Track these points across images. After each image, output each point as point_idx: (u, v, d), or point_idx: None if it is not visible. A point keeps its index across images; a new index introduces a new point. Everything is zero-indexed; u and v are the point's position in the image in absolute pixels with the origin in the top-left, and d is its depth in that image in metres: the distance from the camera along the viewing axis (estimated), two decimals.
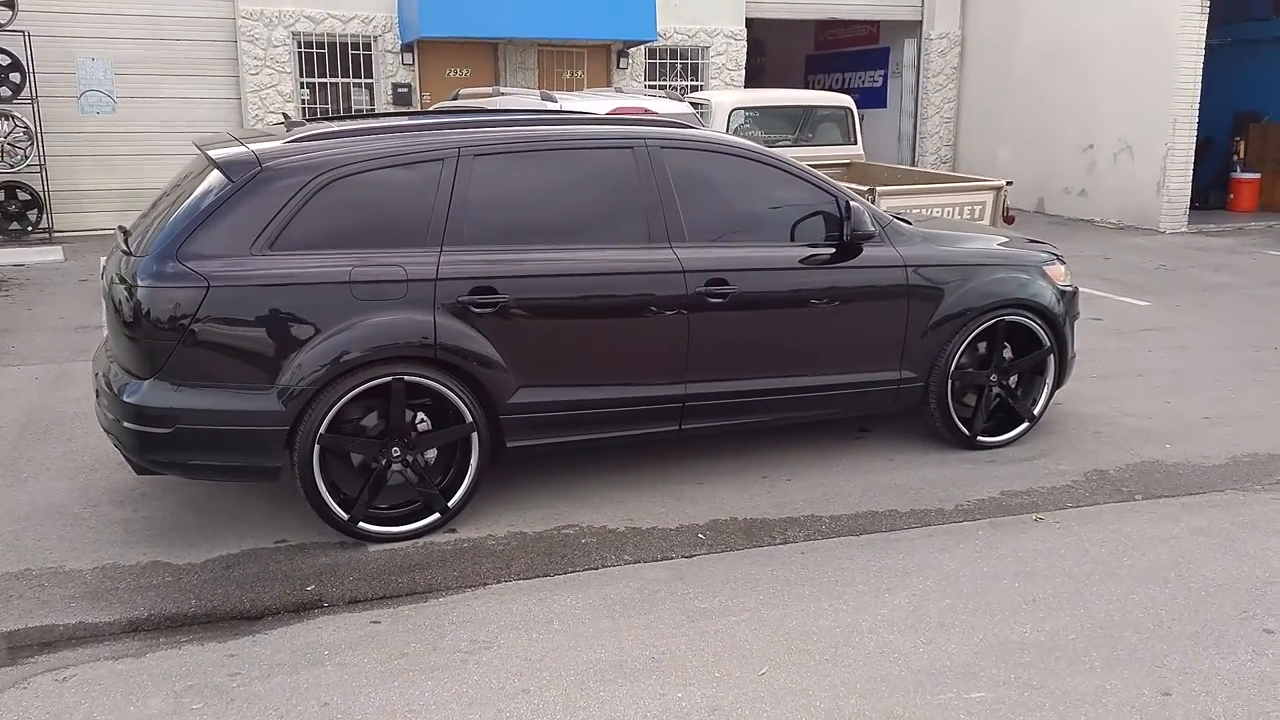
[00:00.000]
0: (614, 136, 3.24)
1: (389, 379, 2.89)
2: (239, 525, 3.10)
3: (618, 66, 10.68)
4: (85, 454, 3.70)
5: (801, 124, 8.09)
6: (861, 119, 8.61)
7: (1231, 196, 11.00)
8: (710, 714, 2.14)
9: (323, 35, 9.79)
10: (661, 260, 3.18)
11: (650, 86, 10.06)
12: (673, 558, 2.90)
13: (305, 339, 2.82)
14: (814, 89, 12.79)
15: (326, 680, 2.28)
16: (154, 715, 2.15)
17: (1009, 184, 6.07)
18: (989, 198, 5.98)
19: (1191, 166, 9.83)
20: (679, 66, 11.08)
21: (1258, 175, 10.92)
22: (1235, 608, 2.60)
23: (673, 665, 2.33)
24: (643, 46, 10.70)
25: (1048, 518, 3.19)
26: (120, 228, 3.19)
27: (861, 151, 8.06)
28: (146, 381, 2.79)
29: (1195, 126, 9.72)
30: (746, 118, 7.90)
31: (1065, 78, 10.75)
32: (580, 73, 10.58)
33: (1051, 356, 3.83)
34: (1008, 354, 3.81)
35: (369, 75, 10.00)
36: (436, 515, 3.03)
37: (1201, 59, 9.56)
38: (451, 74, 10.16)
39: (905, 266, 3.53)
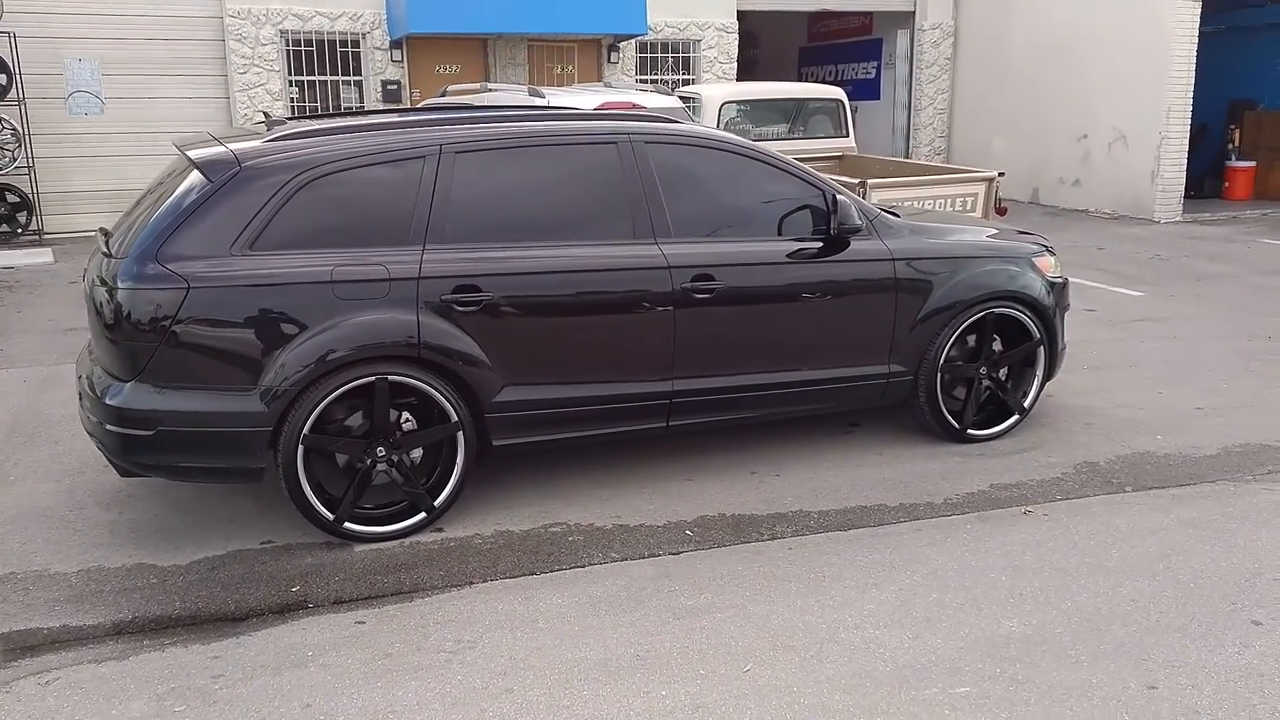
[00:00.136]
0: (597, 132, 3.22)
1: (373, 379, 2.87)
2: (225, 527, 3.09)
3: (608, 61, 10.63)
4: (72, 456, 3.69)
5: (793, 117, 8.06)
6: (855, 111, 8.58)
7: (1227, 185, 10.98)
8: (694, 712, 2.14)
9: (311, 33, 9.73)
10: (646, 256, 3.16)
11: (641, 81, 10.03)
12: (660, 555, 2.89)
13: (287, 339, 2.80)
14: (807, 81, 12.77)
15: (309, 681, 2.27)
16: (136, 718, 2.14)
17: (1001, 175, 6.05)
18: (981, 189, 5.95)
19: (1186, 155, 9.80)
20: (670, 60, 11.03)
21: (1253, 163, 10.89)
22: (1224, 600, 2.60)
23: (657, 663, 2.32)
24: (633, 40, 10.64)
25: (1037, 511, 3.19)
26: (101, 229, 3.17)
27: (854, 144, 8.03)
28: (128, 384, 2.78)
29: (1189, 115, 9.68)
30: (737, 111, 7.86)
31: (1059, 67, 10.71)
32: (571, 68, 10.53)
33: (1041, 348, 3.82)
34: (997, 346, 3.80)
35: (358, 73, 9.95)
36: (423, 515, 3.02)
37: (1195, 47, 9.52)
38: (441, 70, 10.10)
39: (893, 260, 3.51)
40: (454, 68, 10.14)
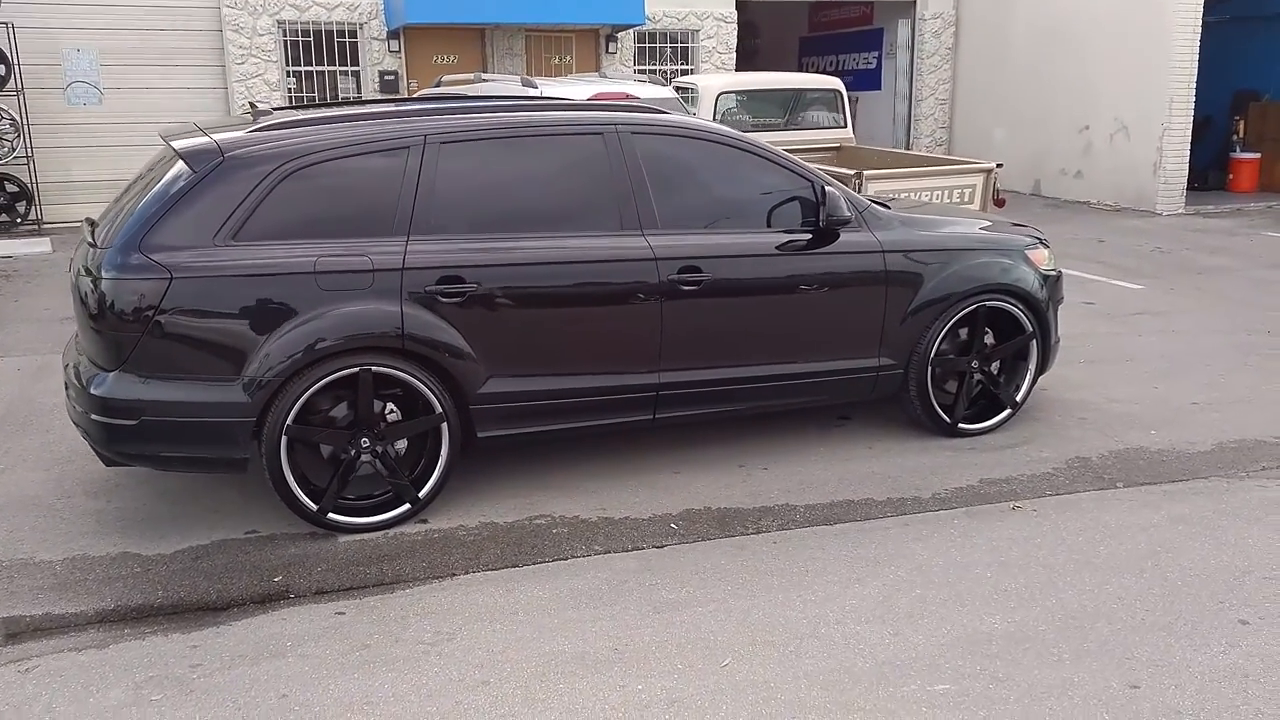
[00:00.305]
0: (583, 123, 3.19)
1: (356, 369, 2.86)
2: (211, 516, 3.09)
3: (606, 51, 10.56)
4: (62, 445, 3.69)
5: (790, 107, 7.99)
6: (854, 101, 8.51)
7: (1231, 177, 10.86)
8: (669, 706, 2.13)
9: (308, 23, 9.69)
10: (633, 248, 3.14)
11: (639, 71, 9.96)
12: (643, 548, 2.88)
13: (270, 330, 2.79)
14: (807, 71, 12.64)
15: (287, 672, 2.27)
16: (113, 706, 2.15)
17: (999, 166, 5.99)
18: (979, 181, 5.90)
19: (1189, 147, 9.70)
20: (669, 50, 10.95)
21: (1258, 155, 10.77)
22: (1212, 598, 2.57)
23: (635, 657, 2.31)
24: (631, 30, 10.57)
25: (1026, 506, 3.16)
26: (88, 219, 3.16)
27: (851, 135, 7.96)
28: (112, 373, 2.77)
29: (1192, 106, 9.57)
30: (734, 102, 7.80)
31: (1061, 57, 10.60)
32: (569, 58, 10.47)
33: (1034, 342, 3.79)
34: (989, 340, 3.77)
35: (355, 63, 9.90)
36: (407, 506, 3.02)
37: (1198, 36, 9.40)
38: (439, 61, 10.05)
39: (882, 251, 3.48)
40: (451, 58, 10.09)
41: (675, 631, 2.42)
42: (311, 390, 2.83)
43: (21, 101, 8.70)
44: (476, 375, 2.99)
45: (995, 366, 3.81)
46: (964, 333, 3.71)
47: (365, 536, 2.95)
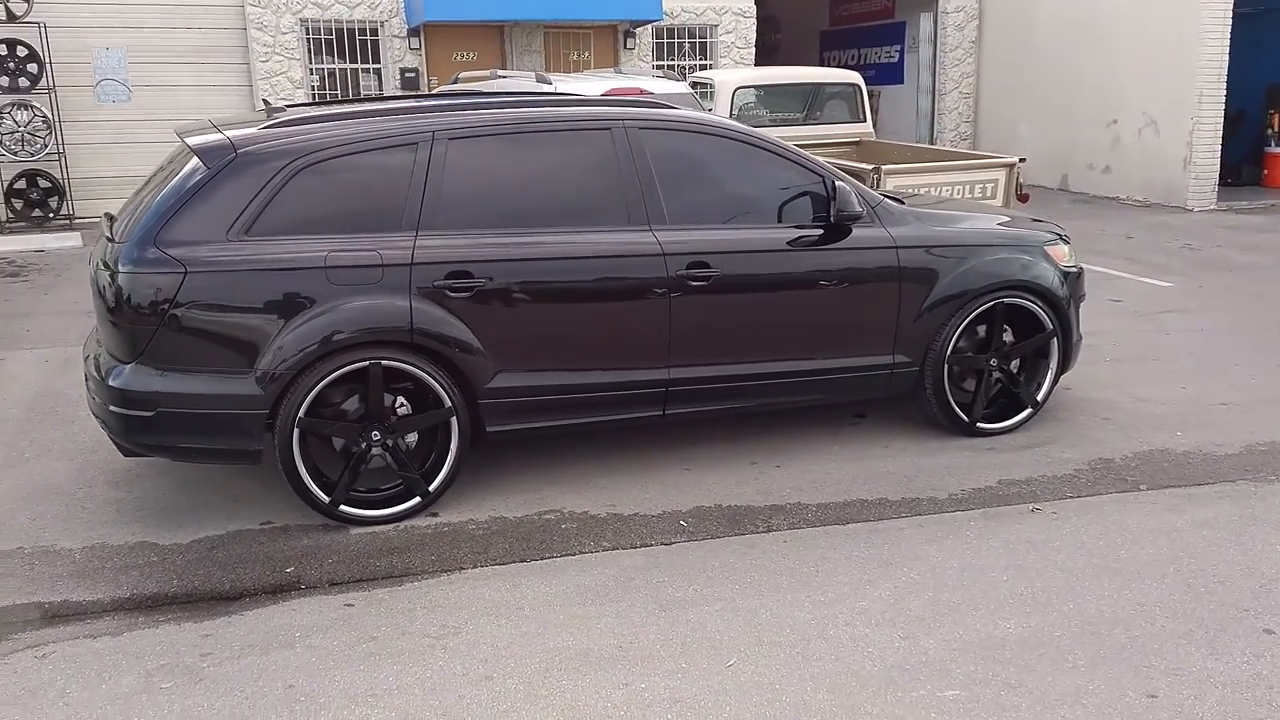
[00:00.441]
0: (591, 118, 3.17)
1: (366, 363, 2.88)
2: (229, 506, 3.13)
3: (625, 47, 10.53)
4: (86, 435, 3.76)
5: (809, 102, 7.90)
6: (875, 96, 8.40)
7: (1266, 172, 10.54)
8: (672, 706, 2.11)
9: (330, 21, 9.79)
10: (641, 243, 3.12)
11: (657, 67, 9.92)
12: (652, 545, 2.86)
13: (282, 324, 2.82)
14: (829, 66, 12.50)
15: (295, 662, 2.29)
16: (124, 693, 2.18)
17: (1022, 160, 5.86)
18: (1001, 175, 5.78)
19: (1220, 141, 9.42)
20: (687, 46, 10.89)
21: None
22: (1235, 605, 2.49)
23: (639, 655, 2.30)
24: (649, 26, 10.52)
25: (1045, 508, 3.09)
26: (107, 214, 3.22)
27: (871, 130, 7.85)
28: (129, 366, 2.82)
29: (1223, 100, 9.29)
30: (752, 97, 7.73)
31: (1087, 50, 10.35)
32: (587, 54, 10.45)
33: (1054, 340, 3.70)
34: (1008, 338, 3.69)
35: (377, 60, 9.99)
36: (418, 499, 3.03)
37: (1229, 29, 9.12)
38: (458, 58, 10.10)
39: (896, 247, 3.42)
40: (471, 55, 10.14)
41: (681, 630, 2.40)
42: (323, 383, 2.86)
43: (53, 99, 8.90)
44: (485, 370, 3.00)
45: (1015, 365, 3.73)
46: (982, 330, 3.63)
47: (376, 529, 2.97)
